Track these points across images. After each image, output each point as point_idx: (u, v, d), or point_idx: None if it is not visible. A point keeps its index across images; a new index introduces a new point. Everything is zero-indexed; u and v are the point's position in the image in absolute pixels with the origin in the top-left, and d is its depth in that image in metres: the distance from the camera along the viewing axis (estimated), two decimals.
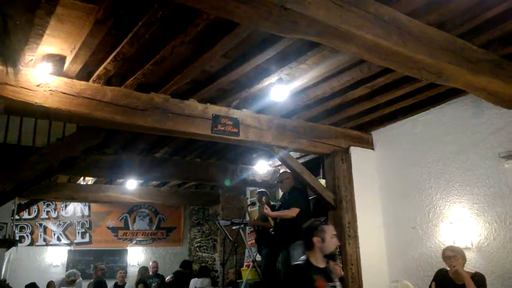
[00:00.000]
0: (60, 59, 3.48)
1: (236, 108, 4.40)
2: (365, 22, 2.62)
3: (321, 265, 2.81)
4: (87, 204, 10.00)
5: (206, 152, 6.52)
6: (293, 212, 4.90)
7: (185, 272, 7.98)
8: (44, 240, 9.63)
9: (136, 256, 10.42)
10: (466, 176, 4.28)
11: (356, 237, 4.84)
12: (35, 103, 3.35)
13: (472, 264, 3.97)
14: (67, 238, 9.85)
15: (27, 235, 9.47)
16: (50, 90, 3.41)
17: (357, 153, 5.19)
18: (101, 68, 3.51)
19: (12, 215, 6.96)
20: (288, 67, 3.66)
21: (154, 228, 10.71)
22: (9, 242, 6.66)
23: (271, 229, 5.51)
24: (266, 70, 3.81)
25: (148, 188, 8.81)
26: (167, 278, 8.07)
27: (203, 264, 8.82)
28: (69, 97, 3.50)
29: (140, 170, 6.41)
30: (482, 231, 4.07)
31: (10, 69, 2.53)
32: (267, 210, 5.27)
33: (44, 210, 9.72)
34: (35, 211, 9.60)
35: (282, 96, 4.05)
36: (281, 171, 5.91)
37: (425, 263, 4.51)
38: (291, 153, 5.13)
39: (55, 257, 9.63)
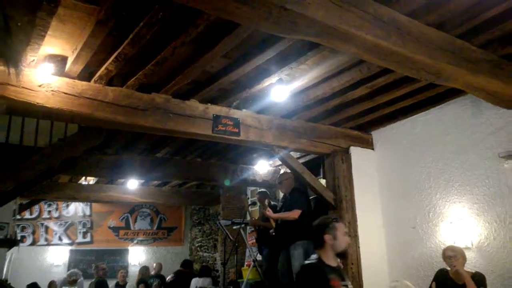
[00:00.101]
0: (62, 59, 3.50)
1: (237, 108, 4.41)
2: (364, 22, 2.63)
3: (333, 263, 2.71)
4: (88, 204, 10.02)
5: (207, 152, 6.53)
6: (295, 213, 4.91)
7: (186, 271, 8.01)
8: (46, 240, 9.65)
9: (137, 256, 10.45)
10: (465, 176, 4.29)
11: (356, 236, 4.85)
12: (37, 103, 3.37)
13: (472, 263, 3.98)
14: (69, 238, 9.87)
15: (28, 235, 9.49)
16: (52, 91, 3.43)
17: (357, 153, 5.20)
18: (103, 68, 3.52)
19: (14, 215, 6.98)
20: (288, 67, 3.67)
21: (155, 228, 10.73)
22: (11, 242, 6.68)
23: (271, 230, 5.52)
24: (266, 71, 3.82)
25: (149, 188, 8.83)
26: (168, 278, 8.08)
27: (204, 264, 8.85)
28: (71, 97, 3.51)
29: (141, 170, 6.43)
30: (482, 231, 4.08)
31: (12, 70, 2.54)
32: (269, 212, 5.27)
33: (45, 210, 9.75)
34: (36, 211, 9.63)
35: (283, 97, 4.06)
36: (282, 171, 5.93)
37: (425, 263, 4.52)
38: (292, 153, 5.15)
39: (56, 257, 9.66)
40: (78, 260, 9.76)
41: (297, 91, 4.22)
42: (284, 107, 4.56)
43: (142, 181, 8.20)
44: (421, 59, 2.95)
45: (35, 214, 9.63)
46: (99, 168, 6.20)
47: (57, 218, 9.86)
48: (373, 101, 4.49)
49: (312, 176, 4.97)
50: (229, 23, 2.90)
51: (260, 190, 6.41)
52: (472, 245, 4.12)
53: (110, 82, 3.77)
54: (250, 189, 8.17)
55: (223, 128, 4.21)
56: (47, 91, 3.41)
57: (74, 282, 7.85)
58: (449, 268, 3.79)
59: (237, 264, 7.19)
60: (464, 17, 3.02)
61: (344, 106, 4.67)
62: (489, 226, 4.03)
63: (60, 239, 9.79)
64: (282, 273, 5.26)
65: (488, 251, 4.01)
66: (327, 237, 2.71)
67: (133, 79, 3.72)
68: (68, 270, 8.91)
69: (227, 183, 6.95)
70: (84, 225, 10.07)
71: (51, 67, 3.47)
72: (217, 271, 8.90)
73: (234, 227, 7.16)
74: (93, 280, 8.15)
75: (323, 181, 5.38)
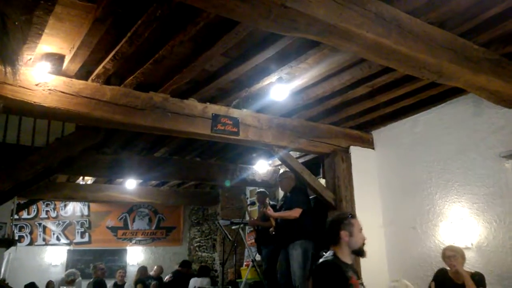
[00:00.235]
0: (59, 58, 3.47)
1: (236, 108, 4.38)
2: (365, 20, 2.61)
3: (349, 261, 2.60)
4: (86, 203, 9.99)
5: (206, 152, 6.51)
6: (295, 212, 4.91)
7: (184, 271, 7.99)
8: (44, 239, 9.62)
9: (136, 256, 10.41)
10: (466, 175, 4.27)
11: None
12: (34, 102, 3.34)
13: (471, 263, 3.96)
14: (67, 237, 9.83)
15: (26, 235, 9.45)
16: (49, 90, 3.40)
17: (357, 153, 5.18)
18: (100, 67, 3.49)
19: (11, 215, 6.96)
20: (288, 66, 3.64)
21: (153, 228, 10.69)
22: (8, 242, 6.66)
23: (271, 229, 5.50)
24: (266, 69, 3.79)
25: (148, 188, 8.80)
26: (166, 278, 8.07)
27: (202, 264, 8.82)
28: (68, 96, 3.49)
29: (140, 169, 6.40)
30: (481, 230, 4.07)
31: (8, 69, 2.51)
32: (269, 211, 5.26)
33: (43, 210, 9.71)
34: (34, 210, 9.59)
35: (282, 96, 4.04)
36: (281, 170, 5.91)
37: (425, 262, 4.50)
38: (291, 152, 5.13)
39: (54, 257, 9.62)
40: (76, 260, 9.72)
41: (297, 90, 4.20)
42: (283, 106, 4.53)
43: (140, 181, 8.16)
44: (422, 57, 2.93)
45: (32, 214, 9.60)
46: (97, 168, 6.18)
47: (55, 218, 9.82)
48: (373, 100, 4.46)
49: (311, 176, 4.95)
50: (228, 21, 2.86)
51: (259, 190, 6.40)
52: (472, 245, 4.11)
53: (107, 81, 3.74)
54: (249, 189, 8.15)
55: (222, 128, 4.19)
56: (44, 90, 3.38)
57: (72, 282, 7.80)
58: (448, 268, 3.78)
59: (236, 264, 7.16)
60: (466, 15, 3.00)
61: (344, 105, 4.64)
62: (489, 226, 4.02)
63: (58, 239, 9.75)
64: (281, 273, 5.25)
65: (488, 251, 4.00)
66: (343, 233, 2.60)
67: (131, 78, 3.69)
68: (66, 270, 8.85)
69: (227, 183, 6.93)
70: (82, 225, 10.03)
71: (48, 66, 3.44)
72: (216, 271, 8.88)
73: (233, 227, 7.15)
74: (91, 280, 8.11)
75: (322, 181, 5.36)
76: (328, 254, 2.62)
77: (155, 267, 8.87)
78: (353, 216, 2.74)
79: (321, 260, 2.62)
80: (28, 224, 9.52)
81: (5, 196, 5.70)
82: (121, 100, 3.70)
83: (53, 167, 5.46)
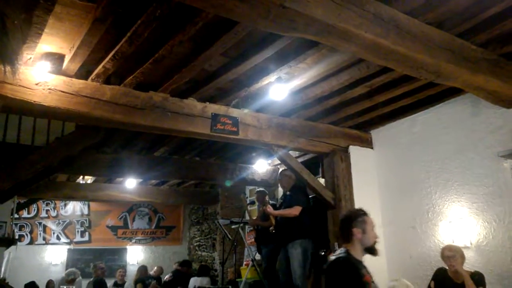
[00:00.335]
0: (59, 57, 3.47)
1: (235, 107, 4.39)
2: (364, 21, 2.62)
3: (361, 258, 2.59)
4: (86, 203, 10.00)
5: (206, 151, 6.52)
6: (296, 210, 4.94)
7: (184, 271, 8.00)
8: (44, 239, 9.63)
9: (136, 255, 10.42)
10: (465, 175, 4.28)
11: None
12: (34, 101, 3.35)
13: (471, 263, 3.97)
14: (67, 237, 9.85)
15: (26, 234, 9.47)
16: (49, 89, 3.41)
17: (356, 152, 5.19)
18: (100, 66, 3.50)
19: (12, 214, 6.97)
20: (287, 66, 3.65)
21: (153, 227, 10.71)
22: (9, 241, 6.67)
23: (271, 228, 5.52)
24: (265, 69, 3.80)
25: (148, 187, 8.81)
26: (166, 277, 8.08)
27: (202, 263, 8.83)
28: (68, 95, 3.50)
29: (140, 169, 6.41)
30: (481, 230, 4.08)
31: (8, 68, 2.52)
32: (269, 209, 5.28)
33: (43, 209, 9.72)
34: (34, 210, 9.61)
35: (281, 95, 4.05)
36: (281, 169, 5.92)
37: (424, 262, 4.51)
38: (290, 152, 5.14)
39: (54, 256, 9.63)
40: (76, 259, 9.74)
41: (296, 89, 4.21)
42: (283, 106, 4.54)
43: (140, 180, 8.18)
44: (420, 58, 2.94)
45: (33, 213, 9.61)
46: (97, 167, 6.19)
47: (55, 217, 9.84)
48: (372, 100, 4.47)
49: (311, 175, 4.97)
50: (227, 21, 2.87)
51: (258, 189, 6.41)
52: (471, 244, 4.11)
53: (107, 81, 3.74)
54: (248, 188, 8.16)
55: (222, 127, 4.20)
56: (44, 89, 3.39)
57: (72, 281, 7.82)
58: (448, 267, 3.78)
59: (236, 263, 7.17)
60: (464, 16, 3.01)
61: (343, 105, 4.65)
62: (488, 225, 4.03)
63: (58, 238, 9.77)
64: (282, 272, 5.27)
65: (487, 250, 4.00)
66: (355, 230, 2.58)
67: (130, 77, 3.70)
68: (66, 269, 8.87)
69: (227, 183, 6.95)
70: (82, 224, 10.04)
71: (48, 65, 3.45)
72: (216, 270, 8.89)
73: (233, 226, 7.16)
74: (91, 279, 8.13)
75: (322, 180, 5.37)
76: (340, 252, 2.60)
77: (155, 267, 8.89)
78: (366, 213, 2.70)
79: (333, 257, 2.60)
80: (28, 223, 9.53)
81: (5, 195, 5.72)
82: (121, 100, 3.71)
83: (53, 166, 5.46)
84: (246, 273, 6.51)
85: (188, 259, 9.56)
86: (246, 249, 7.44)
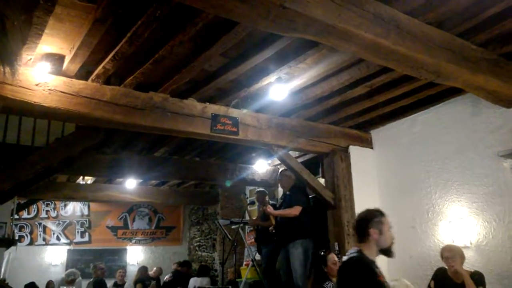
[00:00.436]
0: (59, 58, 3.47)
1: (235, 108, 4.39)
2: (364, 21, 2.62)
3: (375, 259, 2.52)
4: (86, 203, 10.00)
5: (206, 152, 6.52)
6: (296, 210, 4.94)
7: (184, 271, 8.00)
8: (44, 239, 9.63)
9: (136, 256, 10.42)
10: (465, 175, 4.28)
11: (355, 236, 4.82)
12: (34, 102, 3.35)
13: (471, 262, 3.97)
14: (67, 237, 9.85)
15: (26, 235, 9.47)
16: (49, 90, 3.41)
17: (356, 152, 5.19)
18: (100, 67, 3.50)
19: (12, 215, 6.97)
20: (287, 66, 3.65)
21: (153, 227, 10.71)
22: (9, 242, 6.67)
23: (270, 228, 5.52)
24: (265, 70, 3.80)
25: (148, 187, 8.81)
26: (166, 278, 8.08)
27: (202, 263, 8.83)
28: (68, 96, 3.49)
29: (140, 169, 6.41)
30: (481, 229, 4.08)
31: (7, 69, 2.52)
32: (270, 209, 5.28)
33: (43, 210, 9.72)
34: (34, 210, 9.60)
35: (281, 95, 4.05)
36: (281, 169, 5.93)
37: (424, 261, 4.51)
38: (290, 152, 5.14)
39: (54, 257, 9.63)
40: (76, 260, 9.73)
41: (296, 90, 4.21)
42: (283, 106, 4.54)
43: (140, 180, 8.18)
44: (420, 57, 2.94)
45: (33, 214, 9.61)
46: (97, 168, 6.19)
47: (55, 217, 9.83)
48: (372, 100, 4.47)
49: (311, 175, 4.97)
50: (227, 21, 2.88)
51: (258, 189, 6.41)
52: (471, 244, 4.11)
53: (107, 81, 3.75)
54: (248, 188, 8.16)
55: (222, 127, 4.20)
56: (44, 90, 3.39)
57: (72, 282, 7.82)
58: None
59: (236, 263, 7.17)
60: (464, 16, 3.01)
61: (343, 105, 4.66)
62: (488, 225, 4.03)
63: (58, 238, 9.76)
64: (283, 271, 5.27)
65: (487, 250, 4.00)
66: (372, 231, 2.52)
67: (130, 78, 3.70)
68: (66, 269, 8.86)
69: (228, 184, 6.94)
70: (82, 225, 10.04)
71: (48, 66, 3.45)
72: (216, 270, 8.89)
73: (233, 227, 7.17)
74: (91, 279, 8.12)
75: (322, 180, 5.37)
76: (352, 251, 2.55)
77: (154, 268, 8.89)
78: (383, 213, 2.64)
79: (346, 257, 2.55)
80: (28, 224, 9.53)
81: (5, 196, 5.71)
82: (121, 100, 3.71)
83: (53, 167, 5.46)
84: (246, 273, 6.51)
85: (188, 259, 9.56)
86: (246, 249, 7.44)
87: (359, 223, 2.64)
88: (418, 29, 2.90)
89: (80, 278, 8.15)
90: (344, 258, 2.59)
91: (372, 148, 5.40)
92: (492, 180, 4.04)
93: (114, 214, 10.35)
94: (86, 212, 10.11)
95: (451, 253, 3.74)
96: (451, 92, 4.27)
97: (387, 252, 2.57)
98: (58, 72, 3.54)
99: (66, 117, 3.82)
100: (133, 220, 10.52)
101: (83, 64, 3.51)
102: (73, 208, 10.01)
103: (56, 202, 9.76)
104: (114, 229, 10.31)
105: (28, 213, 9.53)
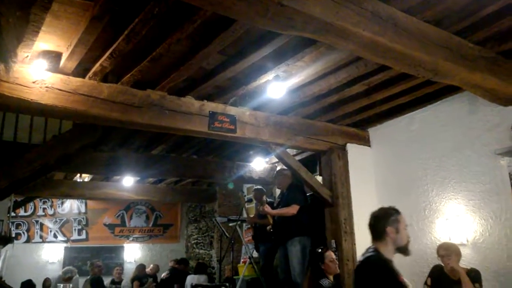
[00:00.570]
0: (56, 55, 3.46)
1: (233, 105, 4.39)
2: (361, 19, 2.62)
3: (391, 258, 2.47)
4: (83, 201, 9.98)
5: (203, 149, 6.51)
6: (293, 209, 4.94)
7: (181, 268, 8.00)
8: (41, 237, 9.61)
9: (133, 253, 10.42)
10: (462, 172, 4.30)
11: (352, 233, 4.85)
12: (31, 99, 3.33)
13: (467, 260, 3.99)
14: (64, 235, 9.83)
15: (23, 232, 9.45)
16: (46, 87, 3.39)
17: (353, 150, 5.20)
18: (97, 65, 3.49)
19: (8, 212, 6.97)
20: (285, 64, 3.65)
21: (151, 225, 10.71)
22: (5, 239, 6.67)
23: (268, 227, 5.52)
24: (263, 67, 3.80)
25: (145, 185, 8.80)
26: (163, 275, 8.09)
27: (200, 261, 8.84)
28: (65, 94, 3.48)
29: (137, 167, 6.40)
30: (477, 227, 4.10)
31: (1, 66, 2.51)
32: (267, 208, 5.28)
33: (40, 207, 9.70)
34: (31, 208, 9.58)
35: (279, 93, 4.05)
36: (278, 168, 5.94)
37: (421, 259, 4.52)
38: (288, 150, 5.14)
39: (51, 254, 9.62)
40: (73, 257, 9.72)
41: (294, 88, 4.21)
42: (280, 104, 4.54)
43: (138, 178, 8.17)
44: (418, 56, 2.94)
45: (29, 211, 9.58)
46: (94, 165, 6.17)
47: (52, 215, 9.81)
48: (370, 98, 4.48)
49: (308, 173, 4.98)
50: (225, 19, 2.87)
51: (256, 187, 6.41)
52: (468, 241, 4.13)
53: (105, 79, 3.73)
54: (246, 186, 8.17)
55: (220, 125, 4.20)
56: (41, 87, 3.37)
57: (69, 279, 7.81)
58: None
59: (233, 261, 7.18)
60: (462, 14, 3.01)
61: (340, 103, 4.66)
62: (485, 223, 4.04)
63: (55, 236, 9.75)
64: (281, 269, 5.28)
65: (484, 248, 4.02)
66: (389, 229, 2.46)
67: (128, 75, 3.69)
68: (63, 267, 8.87)
69: (231, 185, 6.95)
70: (79, 222, 10.03)
71: (45, 63, 3.43)
72: (213, 268, 8.90)
73: (230, 224, 7.17)
74: (88, 277, 8.12)
75: (319, 178, 5.38)
76: (369, 250, 2.50)
77: (151, 265, 8.90)
78: (399, 212, 2.57)
79: (362, 257, 2.51)
80: (25, 222, 9.51)
81: (2, 194, 5.70)
82: (118, 98, 3.70)
83: (50, 165, 5.45)
84: (244, 270, 6.52)
85: (186, 257, 9.57)
86: (243, 246, 7.46)
87: (375, 222, 2.57)
88: (415, 27, 2.90)
89: (77, 275, 8.14)
90: (360, 257, 2.54)
91: (369, 146, 5.40)
92: (489, 178, 4.06)
93: (112, 211, 10.34)
94: (83, 209, 10.10)
95: (447, 252, 3.75)
96: (449, 90, 4.28)
97: (403, 250, 2.51)
98: (55, 69, 3.52)
99: (63, 114, 3.81)
100: (131, 218, 10.52)
101: (80, 61, 3.50)
102: (70, 206, 9.99)
103: (53, 200, 9.74)
104: (111, 226, 10.31)
105: (25, 211, 9.50)
